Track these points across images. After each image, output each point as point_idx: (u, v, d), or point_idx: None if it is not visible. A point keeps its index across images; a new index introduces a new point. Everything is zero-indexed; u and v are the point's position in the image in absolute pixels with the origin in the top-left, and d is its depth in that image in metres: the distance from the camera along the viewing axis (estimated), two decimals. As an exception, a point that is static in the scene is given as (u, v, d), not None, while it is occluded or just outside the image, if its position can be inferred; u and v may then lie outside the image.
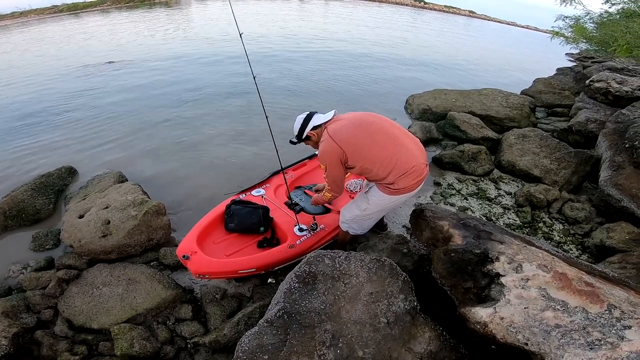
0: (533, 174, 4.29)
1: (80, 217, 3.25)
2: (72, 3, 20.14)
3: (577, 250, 3.46)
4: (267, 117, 2.65)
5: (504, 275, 1.80)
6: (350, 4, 23.34)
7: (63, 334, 2.61)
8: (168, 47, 10.42)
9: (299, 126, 2.33)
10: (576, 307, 1.63)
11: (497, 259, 1.85)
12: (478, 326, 1.72)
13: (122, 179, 3.90)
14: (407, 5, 25.30)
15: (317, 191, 2.87)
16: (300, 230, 2.76)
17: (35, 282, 2.93)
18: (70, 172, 4.19)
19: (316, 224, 2.82)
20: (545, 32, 21.70)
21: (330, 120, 2.30)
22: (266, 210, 2.87)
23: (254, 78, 2.57)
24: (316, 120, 2.30)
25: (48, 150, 4.84)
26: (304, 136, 2.35)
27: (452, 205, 3.89)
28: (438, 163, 4.59)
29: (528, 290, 1.71)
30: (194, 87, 7.09)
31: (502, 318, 1.67)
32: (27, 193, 3.65)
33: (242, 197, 3.10)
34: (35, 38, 13.00)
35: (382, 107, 6.46)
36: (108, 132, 5.30)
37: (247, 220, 2.78)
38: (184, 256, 2.47)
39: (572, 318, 1.59)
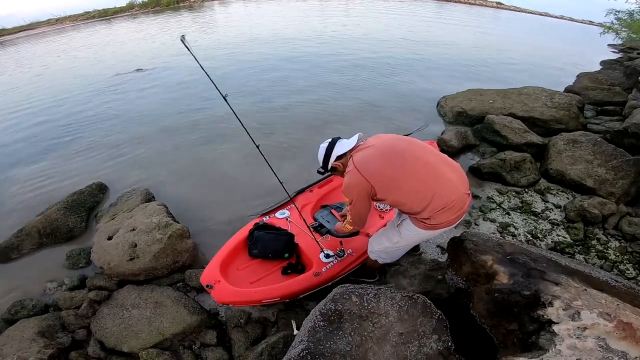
0: (586, 184, 3.87)
1: (109, 238, 3.31)
2: (103, 9, 21.12)
3: (635, 270, 3.08)
4: (257, 146, 2.47)
5: (557, 323, 1.55)
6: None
7: (96, 355, 2.65)
8: (195, 53, 10.58)
9: (322, 157, 2.11)
10: (636, 357, 1.43)
11: (551, 303, 1.60)
12: (522, 378, 1.50)
13: (149, 197, 3.92)
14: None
15: (343, 216, 2.68)
16: (327, 256, 2.60)
17: (70, 301, 3.02)
18: (101, 189, 4.27)
19: (343, 250, 2.65)
20: (582, 23, 20.29)
21: (355, 147, 2.06)
22: (291, 237, 2.74)
23: (242, 125, 2.38)
24: (339, 149, 2.06)
25: (78, 165, 4.99)
26: (329, 167, 2.14)
27: (493, 221, 3.59)
28: (476, 173, 4.25)
29: (584, 340, 1.47)
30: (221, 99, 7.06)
31: (550, 371, 1.45)
32: (60, 212, 3.75)
33: (266, 219, 2.99)
34: (69, 45, 13.71)
35: (412, 111, 6.15)
36: (137, 145, 5.38)
37: (271, 246, 2.67)
38: (207, 285, 2.41)
39: (631, 369, 1.39)
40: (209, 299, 2.97)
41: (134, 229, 3.24)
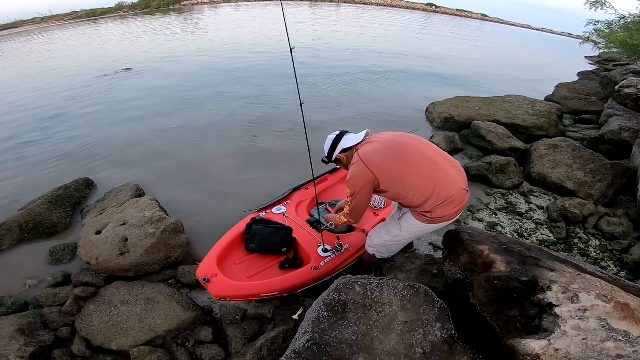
0: (566, 187, 4.06)
1: (98, 233, 3.18)
2: (91, 10, 20.59)
3: (616, 267, 3.25)
4: (307, 137, 2.42)
5: (558, 306, 1.63)
6: (362, 8, 23.25)
7: (81, 354, 2.53)
8: (184, 54, 10.42)
9: (329, 148, 2.17)
10: (639, 337, 1.50)
11: (549, 288, 1.68)
12: (529, 358, 1.57)
13: (139, 193, 3.82)
14: (418, 9, 25.10)
15: (338, 210, 2.71)
16: (325, 251, 2.62)
17: (52, 298, 2.89)
18: (88, 185, 4.12)
19: (341, 244, 2.68)
20: (562, 35, 21.31)
21: (361, 141, 2.11)
22: (289, 230, 2.74)
23: (301, 105, 2.33)
24: (346, 142, 2.13)
25: (65, 161, 4.83)
26: (333, 158, 2.19)
27: (481, 221, 3.70)
28: (464, 175, 4.39)
29: (586, 321, 1.56)
30: (210, 96, 7.00)
31: (557, 350, 1.53)
32: (44, 206, 3.60)
33: (263, 215, 2.98)
34: (55, 44, 13.26)
35: (401, 117, 6.28)
36: (125, 142, 5.25)
37: (268, 241, 2.66)
38: (204, 279, 2.37)
39: (635, 348, 1.47)
40: (202, 296, 2.91)
41: (124, 223, 3.14)
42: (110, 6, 21.08)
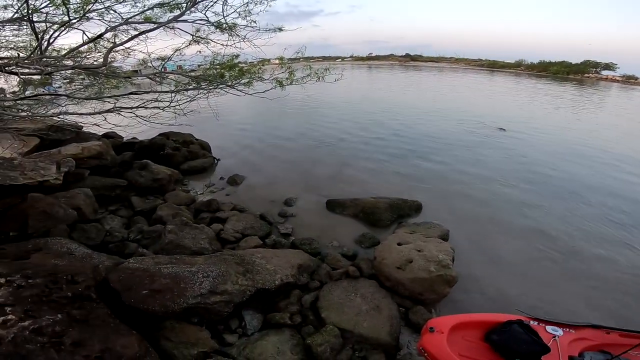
0: None
1: (399, 244, 3.71)
2: (493, 61, 22.69)
3: None
4: None
5: None
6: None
7: (305, 304, 3.12)
8: (567, 132, 9.93)
9: None
10: None
11: None
12: None
13: (445, 237, 4.10)
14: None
15: None
16: None
17: (334, 262, 3.73)
18: (418, 208, 4.93)
19: None
20: None
21: None
22: (543, 349, 2.37)
23: None
24: None
25: (414, 180, 6.04)
26: None
27: None
28: None
29: None
30: (566, 185, 6.38)
31: None
32: (385, 205, 4.67)
33: (533, 323, 2.67)
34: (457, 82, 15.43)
35: None
36: (459, 192, 5.76)
37: (513, 344, 2.39)
38: (430, 328, 2.46)
39: None
40: (408, 336, 3.01)
41: (420, 251, 3.52)
42: (510, 61, 22.30)
